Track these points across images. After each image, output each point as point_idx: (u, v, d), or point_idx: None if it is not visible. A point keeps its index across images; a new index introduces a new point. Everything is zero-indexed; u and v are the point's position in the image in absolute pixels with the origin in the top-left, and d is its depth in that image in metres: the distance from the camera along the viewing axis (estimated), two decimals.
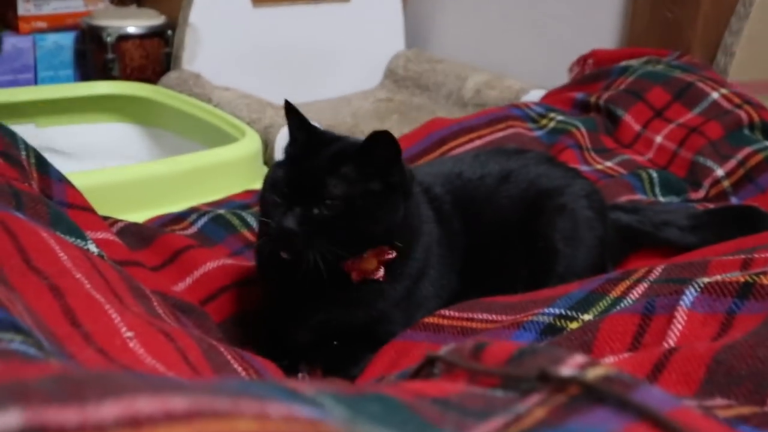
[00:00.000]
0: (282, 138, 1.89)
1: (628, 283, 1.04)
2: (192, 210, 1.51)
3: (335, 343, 1.13)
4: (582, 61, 2.27)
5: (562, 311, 1.01)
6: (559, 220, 1.23)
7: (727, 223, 1.44)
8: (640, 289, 1.02)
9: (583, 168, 1.74)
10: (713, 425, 0.47)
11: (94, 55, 2.55)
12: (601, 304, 1.02)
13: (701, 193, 1.72)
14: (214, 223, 1.44)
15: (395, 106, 2.57)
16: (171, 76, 2.34)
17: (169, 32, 2.54)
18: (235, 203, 1.60)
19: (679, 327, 0.89)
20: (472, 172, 1.27)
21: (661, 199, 1.68)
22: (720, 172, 1.72)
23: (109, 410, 0.31)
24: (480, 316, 1.08)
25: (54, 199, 1.16)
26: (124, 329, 0.77)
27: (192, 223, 1.45)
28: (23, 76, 2.57)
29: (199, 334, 0.94)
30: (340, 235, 1.03)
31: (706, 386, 0.76)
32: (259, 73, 2.47)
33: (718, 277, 0.93)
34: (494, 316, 1.07)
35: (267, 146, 1.91)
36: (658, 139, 1.87)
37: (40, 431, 0.29)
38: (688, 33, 2.19)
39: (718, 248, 1.24)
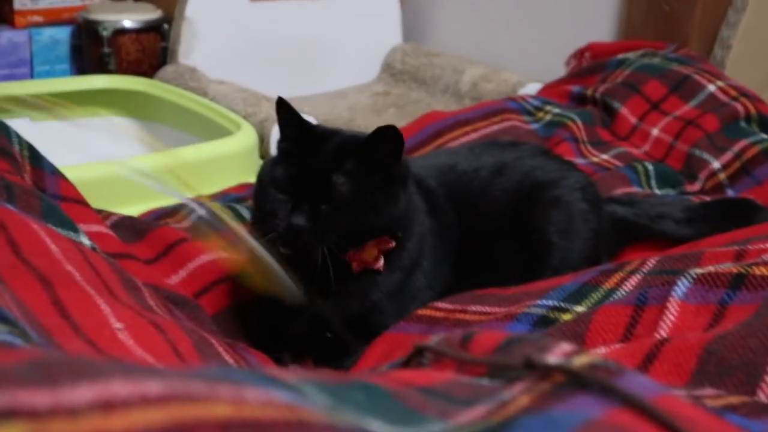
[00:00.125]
0: (277, 131, 1.88)
1: (621, 274, 1.04)
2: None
3: (328, 335, 1.13)
4: (579, 54, 2.26)
5: (556, 303, 1.01)
6: (553, 212, 1.23)
7: (723, 215, 1.43)
8: (634, 280, 1.02)
9: (579, 161, 1.73)
10: (699, 413, 0.47)
11: (91, 50, 2.55)
12: (594, 295, 1.02)
13: (697, 186, 1.71)
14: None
15: (392, 99, 2.57)
16: (167, 70, 2.34)
17: (166, 26, 2.53)
18: (231, 196, 1.59)
19: (672, 318, 0.89)
20: (467, 165, 1.27)
21: (657, 191, 1.68)
22: (716, 164, 1.72)
23: (82, 393, 0.31)
24: (473, 309, 1.08)
25: (47, 191, 1.15)
26: (113, 321, 0.77)
27: (186, 216, 1.45)
28: (19, 71, 2.56)
29: (190, 326, 0.94)
30: (348, 229, 1.04)
31: (698, 376, 0.76)
32: (256, 67, 2.47)
33: (711, 268, 0.93)
34: (488, 309, 1.07)
35: (263, 140, 1.90)
36: (655, 131, 1.87)
37: (11, 414, 0.29)
38: (685, 26, 2.19)
39: (713, 240, 1.24)
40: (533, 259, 1.22)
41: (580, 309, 0.99)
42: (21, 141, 1.20)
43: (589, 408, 0.41)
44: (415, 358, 0.63)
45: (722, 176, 1.69)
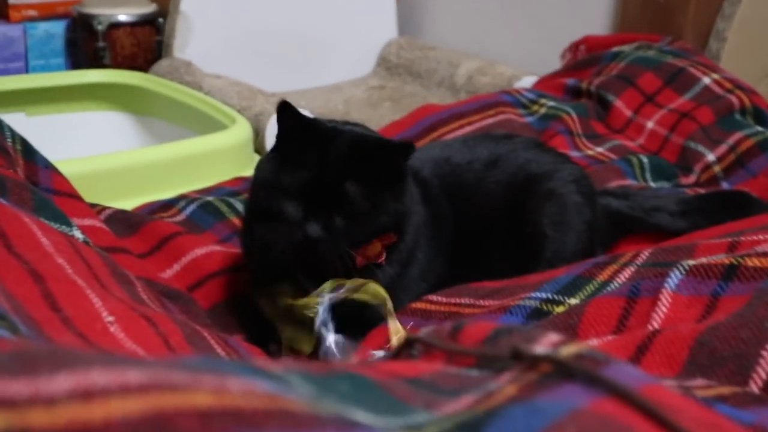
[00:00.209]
0: (273, 125, 1.88)
1: (615, 267, 1.04)
2: (181, 197, 1.51)
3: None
4: (574, 47, 2.26)
5: (549, 295, 1.01)
6: (547, 205, 1.23)
7: (718, 208, 1.43)
8: (627, 273, 1.02)
9: (574, 153, 1.73)
10: (686, 403, 0.47)
11: (85, 44, 2.54)
12: (587, 288, 1.02)
13: (692, 179, 1.72)
14: (202, 210, 1.44)
15: (387, 93, 2.57)
16: (162, 64, 2.34)
17: (161, 20, 2.53)
18: (225, 190, 1.59)
19: (664, 309, 0.89)
20: (461, 157, 1.26)
21: (652, 184, 1.68)
22: (711, 157, 1.72)
23: (61, 383, 0.31)
24: (467, 301, 1.08)
25: (40, 185, 1.15)
26: (105, 314, 0.77)
27: (180, 210, 1.45)
28: (14, 65, 2.56)
29: (183, 319, 0.94)
30: (361, 233, 1.05)
31: (689, 367, 0.76)
32: (251, 61, 2.46)
33: (704, 260, 0.93)
34: (482, 301, 1.07)
35: (258, 134, 1.90)
36: (650, 124, 1.87)
37: None
38: (680, 18, 2.19)
39: (707, 233, 1.24)
40: (527, 252, 1.22)
41: (573, 301, 0.99)
42: (14, 135, 1.19)
43: (575, 397, 0.41)
44: (405, 349, 0.63)
45: (717, 169, 1.69)
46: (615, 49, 2.10)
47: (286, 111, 1.04)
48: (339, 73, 2.70)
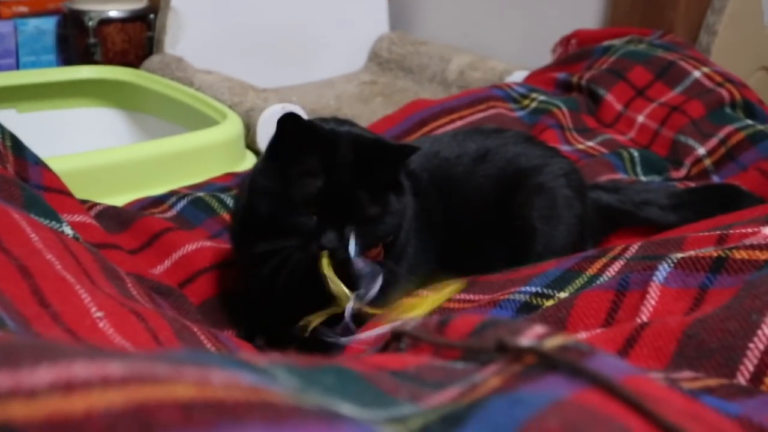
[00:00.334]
0: (263, 122, 1.88)
1: (604, 260, 1.04)
2: (171, 193, 1.51)
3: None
4: (565, 41, 2.26)
5: (539, 289, 1.02)
6: (537, 198, 1.23)
7: (708, 201, 1.44)
8: (617, 266, 1.02)
9: (565, 148, 1.74)
10: (671, 394, 0.47)
11: (76, 40, 2.54)
12: (577, 281, 1.02)
13: (682, 172, 1.72)
14: (193, 206, 1.44)
15: (379, 88, 2.56)
16: (153, 60, 2.33)
17: (152, 16, 2.52)
18: (216, 186, 1.59)
19: (653, 302, 0.89)
20: (449, 151, 1.26)
21: (643, 178, 1.69)
22: (701, 150, 1.72)
23: (43, 375, 0.31)
24: (457, 296, 1.09)
25: (30, 182, 1.15)
26: (94, 309, 0.77)
27: (171, 206, 1.44)
28: (5, 62, 2.55)
29: (172, 314, 0.93)
30: (372, 237, 1.04)
31: (677, 360, 0.76)
32: (242, 57, 2.46)
33: (692, 253, 0.93)
34: (472, 296, 1.07)
35: (249, 129, 1.90)
36: (640, 118, 1.87)
37: None
38: (670, 12, 2.19)
39: (697, 226, 1.24)
40: (517, 246, 1.22)
41: (563, 295, 1.00)
42: (4, 131, 1.19)
43: (558, 388, 0.42)
44: (393, 343, 0.63)
45: (707, 162, 1.70)
46: (606, 43, 2.10)
47: (292, 122, 1.01)
48: (330, 68, 2.70)
